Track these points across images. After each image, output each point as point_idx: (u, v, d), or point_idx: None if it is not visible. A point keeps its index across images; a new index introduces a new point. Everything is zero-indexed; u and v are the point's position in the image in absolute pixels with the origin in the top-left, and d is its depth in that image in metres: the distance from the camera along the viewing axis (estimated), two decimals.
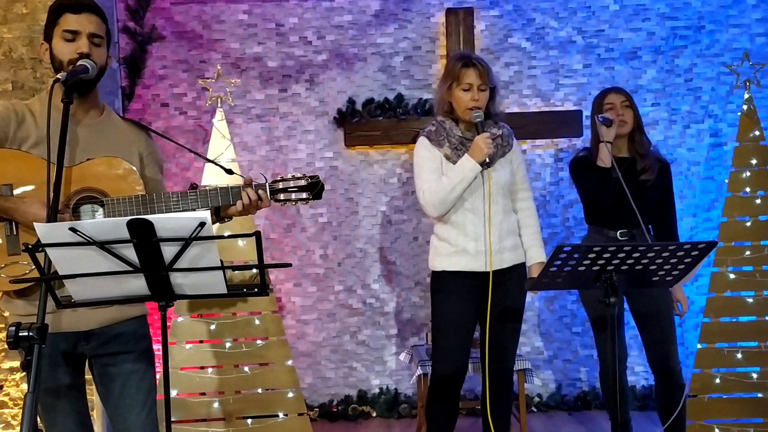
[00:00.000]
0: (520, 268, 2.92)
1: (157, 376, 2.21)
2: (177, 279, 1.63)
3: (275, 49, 4.34)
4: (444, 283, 2.88)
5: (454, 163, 2.77)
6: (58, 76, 1.87)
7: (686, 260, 2.37)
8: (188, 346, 3.57)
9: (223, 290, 1.68)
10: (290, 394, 3.59)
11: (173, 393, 3.52)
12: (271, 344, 3.60)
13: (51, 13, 2.09)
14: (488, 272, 2.80)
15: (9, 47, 3.22)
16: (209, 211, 1.49)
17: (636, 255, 2.31)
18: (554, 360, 4.40)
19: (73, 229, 1.44)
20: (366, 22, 4.34)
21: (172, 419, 3.51)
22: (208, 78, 3.76)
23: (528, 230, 2.96)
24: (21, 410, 1.78)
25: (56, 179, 1.78)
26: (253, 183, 2.15)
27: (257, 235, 1.55)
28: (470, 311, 2.85)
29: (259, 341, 3.59)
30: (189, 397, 3.57)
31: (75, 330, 2.04)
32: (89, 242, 1.47)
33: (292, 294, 4.38)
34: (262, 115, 4.35)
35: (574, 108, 4.34)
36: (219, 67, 3.70)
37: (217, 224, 2.18)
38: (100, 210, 2.01)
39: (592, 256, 2.29)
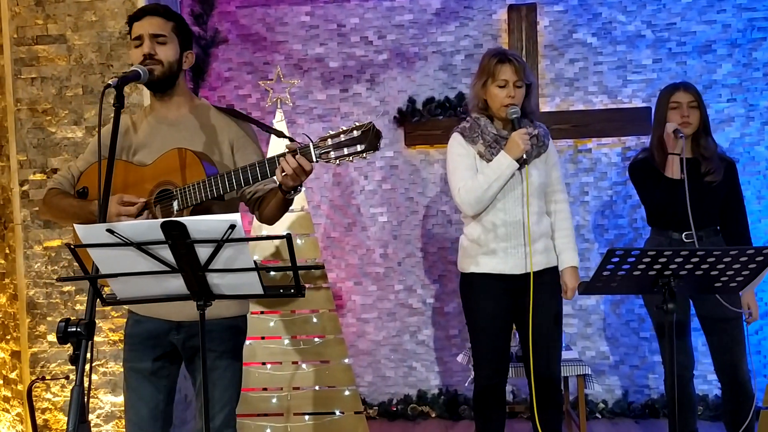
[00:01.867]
0: (552, 272, 2.81)
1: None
2: (214, 279, 1.67)
3: (337, 50, 4.37)
4: (473, 285, 2.81)
5: (488, 161, 2.70)
6: (110, 81, 1.95)
7: (750, 266, 2.25)
8: (248, 342, 3.64)
9: (260, 291, 1.70)
10: (347, 392, 3.62)
11: None
12: (328, 342, 3.63)
13: (127, 28, 2.23)
14: (518, 275, 2.73)
15: (80, 53, 3.37)
16: (239, 214, 1.50)
17: (695, 260, 2.20)
18: (620, 365, 4.26)
19: (110, 231, 1.50)
20: (427, 21, 4.32)
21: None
22: (269, 80, 3.83)
23: (561, 233, 2.85)
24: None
25: (106, 180, 1.85)
26: (298, 148, 1.95)
27: (288, 237, 1.56)
28: (503, 315, 2.78)
29: (316, 339, 3.63)
30: (249, 391, 3.65)
31: (168, 319, 2.16)
32: (126, 243, 1.51)
33: (353, 292, 4.41)
34: (324, 115, 4.40)
35: (643, 105, 4.18)
36: (278, 69, 3.76)
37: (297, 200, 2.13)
38: (174, 202, 2.07)
39: (647, 260, 2.20)
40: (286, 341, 3.64)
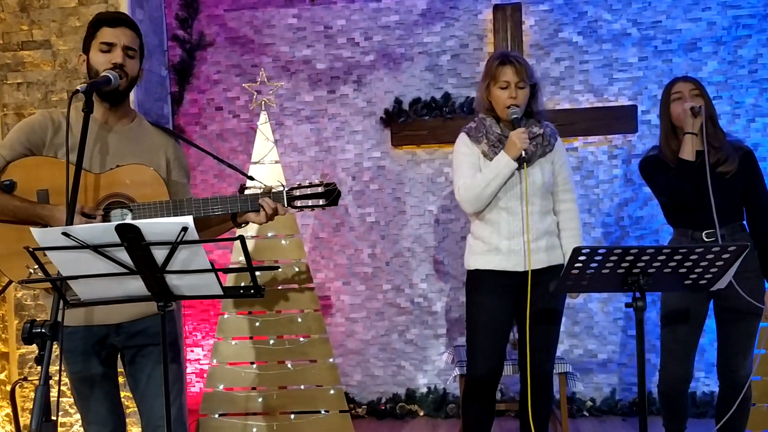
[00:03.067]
0: (556, 270, 2.82)
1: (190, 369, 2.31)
2: (173, 281, 1.70)
3: (324, 51, 4.40)
4: (478, 282, 2.85)
5: (491, 160, 2.75)
6: (78, 87, 1.98)
7: (717, 263, 2.26)
8: (234, 342, 3.68)
9: (219, 291, 1.73)
10: (332, 391, 3.65)
11: (220, 386, 3.64)
12: (313, 342, 3.66)
13: (90, 26, 2.24)
14: (521, 272, 2.76)
15: (64, 58, 3.42)
16: (191, 217, 1.54)
17: (662, 258, 2.22)
18: (608, 363, 4.27)
19: (65, 234, 1.53)
20: (413, 22, 4.34)
21: (220, 412, 3.65)
22: (254, 82, 3.86)
23: (568, 233, 2.87)
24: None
25: (74, 184, 1.88)
26: (272, 191, 2.23)
27: (241, 239, 1.59)
28: (504, 311, 2.81)
29: (301, 338, 3.66)
30: (234, 391, 3.68)
31: (106, 323, 2.19)
32: (82, 245, 1.55)
33: (342, 292, 4.44)
34: (312, 116, 4.43)
35: (629, 103, 4.19)
36: (263, 71, 3.79)
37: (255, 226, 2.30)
38: (129, 214, 2.13)
39: (614, 258, 2.22)
40: (272, 341, 3.67)
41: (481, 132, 2.82)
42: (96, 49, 2.19)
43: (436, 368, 4.37)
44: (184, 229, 1.53)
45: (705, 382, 4.16)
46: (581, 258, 2.22)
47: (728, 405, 2.92)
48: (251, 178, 2.36)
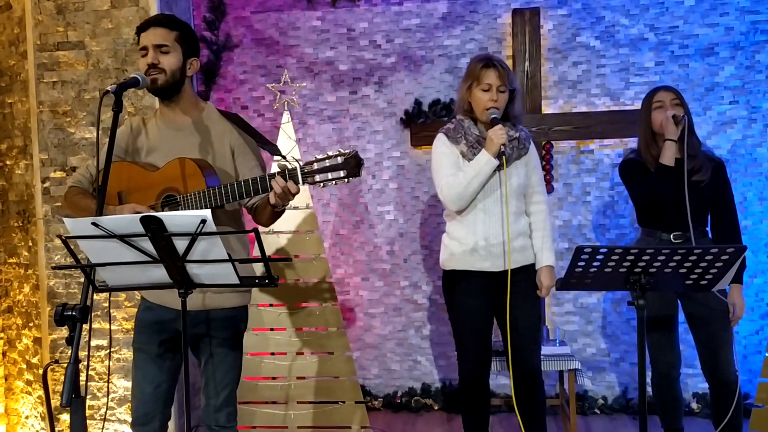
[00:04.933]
0: (529, 270, 2.92)
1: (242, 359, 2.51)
2: (193, 269, 1.83)
3: (346, 53, 4.53)
4: (455, 282, 2.92)
5: (470, 160, 2.82)
6: (108, 88, 2.12)
7: (717, 264, 2.33)
8: (257, 333, 3.83)
9: (235, 280, 1.86)
10: (348, 383, 3.77)
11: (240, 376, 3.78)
12: (331, 334, 3.79)
13: (137, 37, 2.39)
14: (497, 272, 2.84)
15: (97, 59, 3.58)
16: (209, 210, 1.66)
17: (661, 258, 2.30)
18: (620, 363, 4.34)
19: (95, 224, 1.67)
20: (433, 25, 4.45)
21: (241, 401, 3.80)
22: (278, 83, 3.99)
23: (539, 234, 2.95)
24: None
25: (103, 180, 2.02)
26: (287, 170, 2.12)
27: (255, 231, 1.71)
28: (484, 310, 2.89)
29: (319, 331, 3.79)
30: (254, 380, 3.82)
31: (174, 307, 2.35)
32: (110, 235, 1.68)
33: (360, 288, 4.56)
34: (334, 116, 4.56)
35: None
36: (286, 72, 3.93)
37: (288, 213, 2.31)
38: (179, 206, 2.26)
39: (615, 257, 2.31)
40: (291, 333, 3.80)
41: (460, 133, 2.89)
42: (139, 56, 2.36)
43: (451, 364, 4.47)
44: (203, 221, 1.66)
45: (701, 379, 4.20)
46: (583, 257, 2.31)
47: (719, 402, 3.04)
48: (284, 157, 2.32)
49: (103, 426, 3.53)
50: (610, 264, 2.33)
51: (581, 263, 2.34)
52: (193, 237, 1.70)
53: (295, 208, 3.80)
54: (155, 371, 2.40)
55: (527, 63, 4.25)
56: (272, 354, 3.81)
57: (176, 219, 1.67)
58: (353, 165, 2.04)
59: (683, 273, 2.37)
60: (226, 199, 2.19)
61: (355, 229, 4.56)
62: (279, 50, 4.57)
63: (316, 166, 2.07)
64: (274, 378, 3.85)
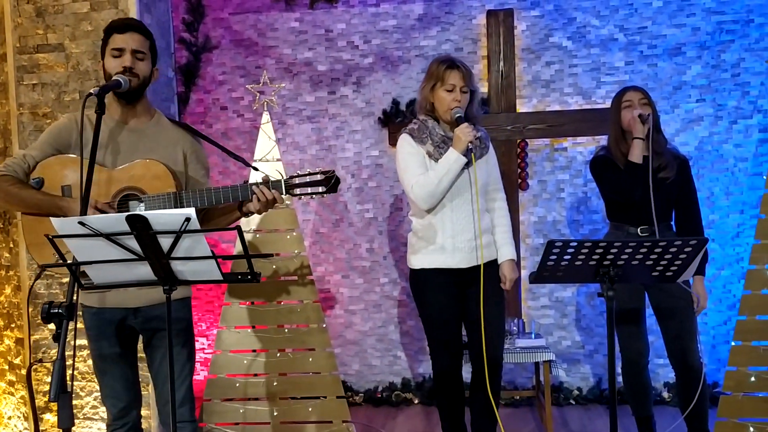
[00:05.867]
0: (493, 264, 3.01)
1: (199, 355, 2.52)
2: (177, 266, 1.89)
3: (325, 54, 4.59)
4: (423, 281, 2.99)
5: (436, 160, 2.88)
6: (91, 90, 2.17)
7: (681, 256, 2.44)
8: (237, 330, 3.88)
9: (219, 276, 1.92)
10: (329, 378, 3.84)
11: (223, 373, 3.84)
12: (312, 331, 3.85)
13: (104, 34, 2.44)
14: (464, 269, 2.92)
15: (77, 61, 3.62)
16: (193, 209, 1.73)
17: (628, 250, 2.40)
18: (595, 354, 4.45)
19: (81, 223, 1.73)
20: (410, 26, 4.53)
21: (223, 398, 3.85)
22: (257, 84, 4.05)
23: (500, 229, 3.05)
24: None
25: (87, 179, 2.08)
26: (270, 180, 2.33)
27: (238, 229, 1.78)
28: (453, 305, 2.97)
29: (301, 328, 3.85)
30: (237, 377, 3.88)
31: (124, 306, 2.40)
32: (96, 234, 1.74)
33: (341, 285, 4.63)
34: (313, 116, 4.62)
35: None
36: (265, 73, 3.99)
37: (256, 216, 2.41)
38: (142, 205, 2.32)
39: (585, 251, 2.40)
40: (273, 330, 3.86)
41: (425, 133, 2.94)
42: (109, 55, 2.38)
43: (430, 359, 4.55)
44: (187, 219, 1.72)
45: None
46: (555, 251, 2.40)
47: (685, 388, 3.17)
48: (255, 169, 2.51)
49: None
50: (581, 257, 2.42)
51: (553, 257, 2.43)
52: (178, 234, 1.76)
53: (277, 207, 3.85)
54: (123, 370, 2.47)
55: (502, 63, 4.35)
56: (254, 351, 3.86)
57: (161, 217, 1.73)
58: (332, 184, 2.29)
59: (649, 265, 2.47)
60: (202, 203, 2.29)
61: (334, 227, 4.63)
62: (258, 51, 4.63)
63: (297, 180, 2.30)
64: (256, 375, 3.90)
